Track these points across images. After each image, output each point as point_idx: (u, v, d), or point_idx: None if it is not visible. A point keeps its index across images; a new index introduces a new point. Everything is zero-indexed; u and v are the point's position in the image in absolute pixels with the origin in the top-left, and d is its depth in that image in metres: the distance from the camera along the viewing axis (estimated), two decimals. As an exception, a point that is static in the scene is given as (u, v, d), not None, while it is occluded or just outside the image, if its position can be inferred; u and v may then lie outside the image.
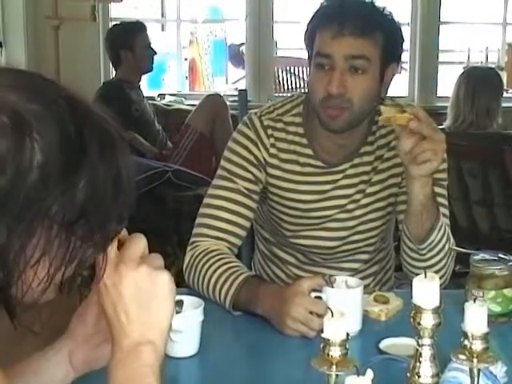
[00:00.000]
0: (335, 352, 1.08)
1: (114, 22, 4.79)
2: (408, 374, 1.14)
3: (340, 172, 1.83)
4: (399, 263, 1.82)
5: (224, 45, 8.09)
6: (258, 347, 1.50)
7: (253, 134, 1.81)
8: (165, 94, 5.15)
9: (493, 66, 5.22)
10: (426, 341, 1.12)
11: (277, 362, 1.43)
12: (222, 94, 4.59)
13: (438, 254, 1.71)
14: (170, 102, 4.98)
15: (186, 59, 7.23)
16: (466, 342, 1.07)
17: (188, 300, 1.47)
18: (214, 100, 4.37)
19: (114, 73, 4.43)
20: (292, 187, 1.83)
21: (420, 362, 1.13)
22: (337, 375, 1.08)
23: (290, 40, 6.99)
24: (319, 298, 1.50)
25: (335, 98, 1.66)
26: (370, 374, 1.04)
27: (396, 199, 1.83)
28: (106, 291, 0.96)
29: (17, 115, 0.81)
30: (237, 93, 2.65)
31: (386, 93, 1.78)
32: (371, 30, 1.66)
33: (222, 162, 1.83)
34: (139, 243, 0.98)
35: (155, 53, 4.29)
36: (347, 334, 1.09)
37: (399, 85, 5.05)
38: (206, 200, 1.81)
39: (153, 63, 4.29)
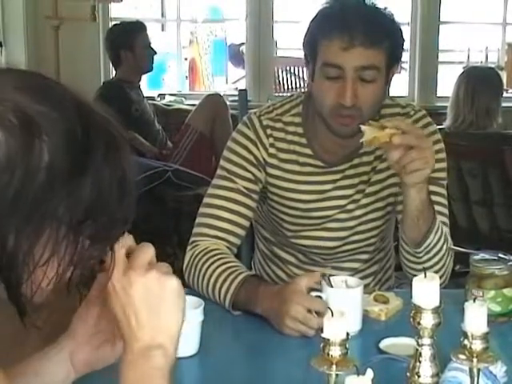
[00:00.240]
0: (335, 352, 1.08)
1: (113, 22, 4.79)
2: (408, 374, 1.14)
3: (339, 172, 1.83)
4: (399, 263, 1.82)
5: (224, 45, 8.09)
6: (258, 347, 1.50)
7: (252, 133, 1.81)
8: (165, 94, 5.15)
9: (493, 65, 5.21)
10: (426, 341, 1.12)
11: (277, 361, 1.43)
12: (222, 94, 4.59)
13: (435, 255, 1.71)
14: (170, 101, 4.98)
15: (186, 59, 7.23)
16: (466, 342, 1.07)
17: (188, 300, 1.47)
18: (214, 100, 4.37)
19: (114, 73, 4.44)
20: (292, 187, 1.83)
21: (420, 362, 1.13)
22: (337, 375, 1.08)
23: (290, 40, 6.98)
24: (319, 297, 1.50)
25: (347, 108, 1.66)
26: (369, 373, 1.04)
27: (396, 199, 1.83)
28: (115, 294, 0.97)
29: (25, 116, 0.82)
30: (237, 93, 2.65)
31: (388, 93, 1.78)
32: (379, 39, 1.65)
33: (222, 162, 1.83)
34: (148, 251, 0.99)
35: (155, 53, 4.29)
36: (347, 334, 1.09)
37: (399, 85, 5.05)
38: (206, 200, 1.81)
39: (153, 63, 4.29)
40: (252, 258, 2.08)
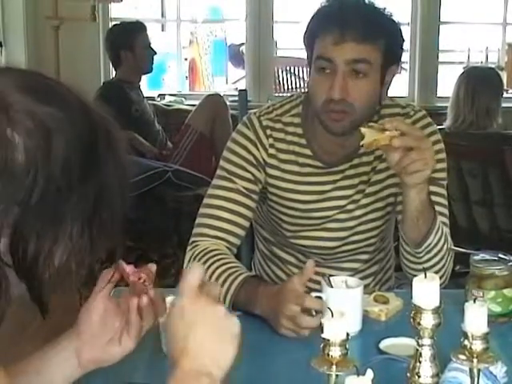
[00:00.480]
0: (335, 352, 1.08)
1: (113, 22, 4.79)
2: (408, 374, 1.15)
3: (339, 172, 1.83)
4: (399, 263, 1.82)
5: (224, 45, 8.09)
6: (257, 347, 1.50)
7: (252, 134, 1.81)
8: (165, 94, 5.15)
9: (493, 66, 5.21)
10: (426, 341, 1.12)
11: (277, 362, 1.44)
12: (222, 94, 4.59)
13: (435, 256, 1.71)
14: (169, 102, 4.98)
15: (186, 59, 7.23)
16: (466, 342, 1.07)
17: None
18: (214, 100, 4.37)
19: (114, 73, 4.43)
20: (291, 187, 1.83)
21: (420, 362, 1.13)
22: (337, 375, 1.08)
23: (290, 40, 6.98)
24: (319, 298, 1.50)
25: (337, 103, 1.66)
26: (369, 373, 1.04)
27: (395, 199, 1.83)
28: (181, 315, 0.99)
29: (37, 118, 0.83)
30: (237, 93, 2.65)
31: (386, 94, 1.78)
32: (373, 35, 1.65)
33: (221, 162, 1.83)
34: (217, 288, 1.07)
35: (155, 53, 4.29)
36: (347, 334, 1.09)
37: (399, 85, 5.05)
38: (206, 200, 1.81)
39: (153, 63, 4.29)
40: (252, 258, 2.08)
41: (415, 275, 1.15)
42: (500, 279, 1.55)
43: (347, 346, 1.09)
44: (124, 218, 0.94)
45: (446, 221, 1.78)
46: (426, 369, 1.13)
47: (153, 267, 1.17)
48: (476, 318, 1.07)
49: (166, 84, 6.92)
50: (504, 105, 3.48)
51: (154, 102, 4.73)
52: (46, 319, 0.91)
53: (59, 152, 0.83)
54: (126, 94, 4.14)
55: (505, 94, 3.74)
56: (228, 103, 4.36)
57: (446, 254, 1.73)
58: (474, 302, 1.09)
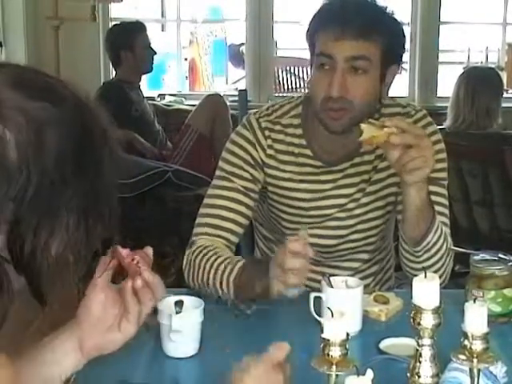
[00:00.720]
0: (335, 352, 1.08)
1: (113, 22, 4.78)
2: (408, 374, 1.15)
3: (340, 171, 1.83)
4: (399, 263, 1.82)
5: (224, 45, 8.09)
6: (258, 347, 1.50)
7: (250, 135, 1.82)
8: (165, 94, 5.14)
9: (493, 66, 5.21)
10: (426, 341, 1.12)
11: (277, 362, 1.43)
12: (222, 94, 4.59)
13: (434, 255, 1.71)
14: (169, 102, 4.98)
15: (186, 59, 7.24)
16: (466, 342, 1.07)
17: (188, 300, 1.47)
18: (214, 100, 4.37)
19: (114, 73, 4.43)
20: (291, 186, 1.83)
21: (420, 362, 1.13)
22: (337, 375, 1.08)
23: (290, 40, 6.99)
24: (319, 298, 1.50)
25: (335, 101, 1.66)
26: (369, 373, 1.04)
27: (396, 198, 1.83)
28: (248, 371, 1.09)
29: (29, 114, 0.83)
30: (237, 93, 2.65)
31: (387, 94, 1.78)
32: (373, 32, 1.66)
33: (220, 163, 1.84)
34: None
35: (155, 53, 4.29)
36: (347, 334, 1.09)
37: (399, 85, 5.05)
38: (206, 200, 1.82)
39: (153, 63, 4.28)
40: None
41: (415, 274, 1.15)
42: (500, 279, 1.55)
43: (347, 346, 1.09)
44: (114, 211, 0.95)
45: (447, 221, 1.78)
46: (426, 369, 1.13)
47: (148, 250, 1.18)
48: (476, 317, 1.07)
49: (166, 84, 6.92)
50: (504, 105, 3.48)
51: (154, 102, 4.73)
52: (46, 317, 0.92)
53: (52, 146, 0.84)
54: (126, 94, 4.14)
55: (505, 94, 3.74)
56: (228, 103, 4.36)
57: (446, 253, 1.73)
58: (474, 301, 1.09)
